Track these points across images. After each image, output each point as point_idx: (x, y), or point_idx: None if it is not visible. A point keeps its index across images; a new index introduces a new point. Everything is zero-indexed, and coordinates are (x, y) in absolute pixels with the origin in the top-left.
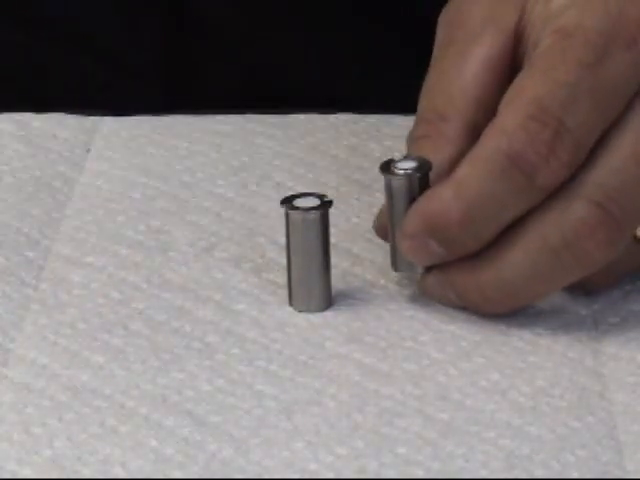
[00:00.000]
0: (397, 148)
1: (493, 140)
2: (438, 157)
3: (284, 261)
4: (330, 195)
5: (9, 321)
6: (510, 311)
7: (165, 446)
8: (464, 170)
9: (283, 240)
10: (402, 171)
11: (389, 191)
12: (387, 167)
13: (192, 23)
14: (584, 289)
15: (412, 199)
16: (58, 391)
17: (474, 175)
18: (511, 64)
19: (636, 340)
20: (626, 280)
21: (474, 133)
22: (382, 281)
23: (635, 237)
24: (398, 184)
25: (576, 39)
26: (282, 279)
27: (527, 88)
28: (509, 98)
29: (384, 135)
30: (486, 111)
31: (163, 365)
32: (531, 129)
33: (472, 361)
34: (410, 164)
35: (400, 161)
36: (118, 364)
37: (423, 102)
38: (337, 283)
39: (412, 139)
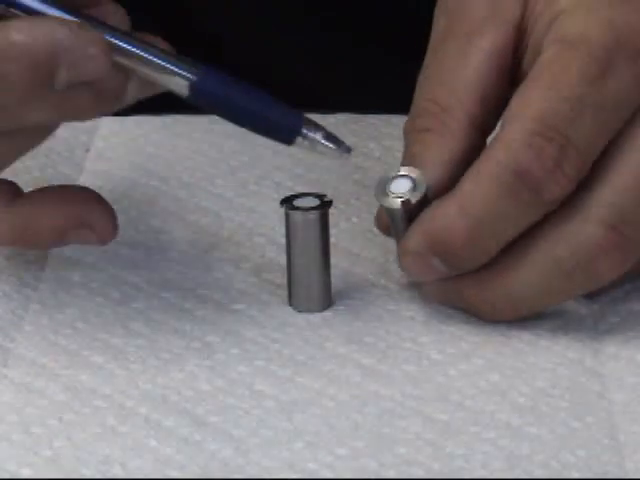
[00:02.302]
0: (397, 148)
1: (498, 156)
2: (443, 152)
3: (284, 261)
4: (330, 195)
5: (9, 321)
6: (514, 319)
7: (165, 446)
8: (468, 186)
9: (283, 240)
10: (398, 199)
11: (387, 215)
12: (383, 191)
13: (190, 25)
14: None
15: (411, 220)
16: (58, 391)
17: (479, 191)
18: (513, 58)
19: (636, 340)
20: (626, 280)
21: (477, 127)
22: (382, 281)
23: None
24: (395, 211)
25: (580, 52)
26: (282, 279)
27: (531, 102)
28: (513, 112)
29: (384, 135)
30: (488, 105)
31: (163, 365)
32: (536, 145)
33: (472, 362)
34: (405, 185)
35: (394, 180)
36: (118, 364)
37: (423, 92)
38: (337, 283)
39: (413, 130)
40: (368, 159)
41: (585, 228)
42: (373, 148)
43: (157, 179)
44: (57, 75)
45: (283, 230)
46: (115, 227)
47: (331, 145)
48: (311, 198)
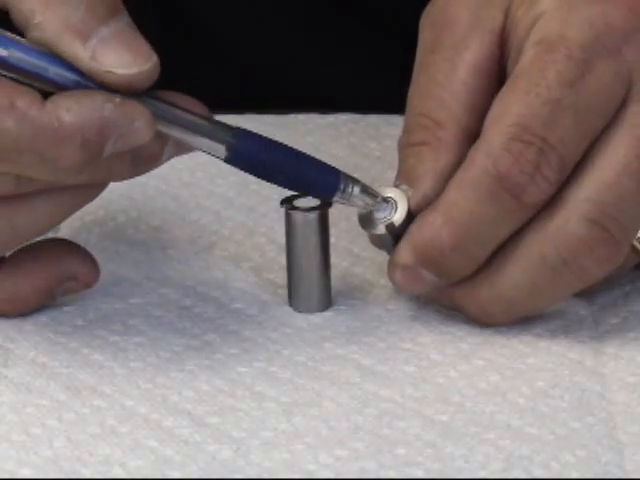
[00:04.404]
0: (396, 147)
1: (479, 163)
2: (438, 164)
3: (284, 261)
4: None
5: (9, 321)
6: (509, 322)
7: (165, 446)
8: (452, 194)
9: (282, 240)
10: (382, 224)
11: (376, 240)
12: (367, 220)
13: (192, 24)
14: (577, 293)
15: (398, 237)
16: (57, 390)
17: (463, 199)
18: (499, 67)
19: (636, 340)
20: (626, 280)
21: (470, 138)
22: (382, 281)
23: (632, 246)
24: (382, 236)
25: (558, 53)
26: (282, 279)
27: (510, 107)
28: (492, 118)
29: (384, 135)
30: (479, 115)
31: (163, 364)
32: (515, 149)
33: (472, 363)
34: (387, 208)
35: (377, 205)
36: (118, 362)
37: (414, 107)
38: (337, 283)
39: (408, 145)
40: (368, 159)
41: (568, 225)
42: (373, 148)
43: (157, 178)
44: (105, 149)
45: (283, 230)
46: (97, 270)
47: (367, 199)
48: (311, 198)
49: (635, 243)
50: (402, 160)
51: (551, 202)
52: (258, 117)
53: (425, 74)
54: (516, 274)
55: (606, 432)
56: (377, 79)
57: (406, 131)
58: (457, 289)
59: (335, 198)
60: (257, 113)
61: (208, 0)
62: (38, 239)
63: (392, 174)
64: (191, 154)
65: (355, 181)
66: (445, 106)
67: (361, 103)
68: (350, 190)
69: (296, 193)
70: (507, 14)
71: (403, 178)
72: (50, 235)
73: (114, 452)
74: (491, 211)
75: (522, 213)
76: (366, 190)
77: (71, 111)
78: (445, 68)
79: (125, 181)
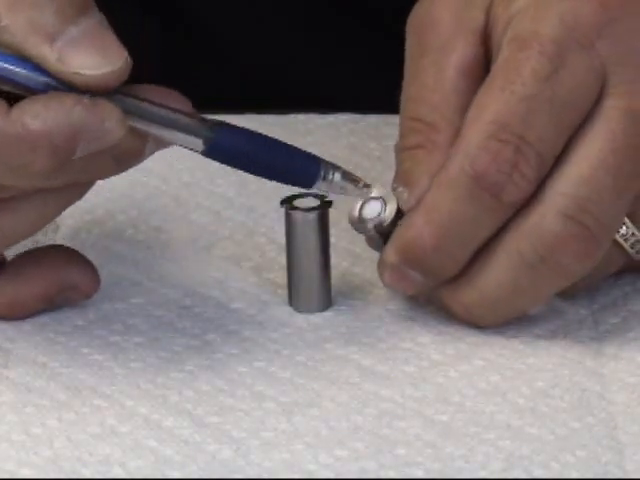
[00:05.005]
0: None
1: (457, 162)
2: (434, 166)
3: (284, 261)
4: (330, 195)
5: (9, 321)
6: (499, 324)
7: (165, 446)
8: (432, 195)
9: (282, 240)
10: (372, 223)
11: (367, 239)
12: (356, 218)
13: (192, 24)
14: (563, 294)
15: (387, 236)
16: (57, 390)
17: (442, 199)
18: (486, 66)
19: (636, 340)
20: (626, 281)
21: None
22: None
23: (615, 241)
24: (372, 234)
25: (532, 50)
26: (282, 279)
27: (486, 106)
28: (470, 118)
29: (384, 135)
30: None
31: (163, 364)
32: (492, 148)
33: (472, 363)
34: (376, 207)
35: (365, 204)
36: (118, 362)
37: (407, 112)
38: (337, 283)
39: (404, 149)
40: (368, 159)
41: (544, 221)
42: (373, 148)
43: (157, 178)
44: (76, 152)
45: (283, 230)
46: (97, 280)
47: (349, 184)
48: (311, 198)
49: (620, 240)
50: (399, 163)
51: (529, 199)
52: (258, 117)
53: (415, 79)
54: (497, 274)
55: (606, 432)
56: (377, 79)
57: (401, 135)
58: (444, 291)
59: (317, 186)
60: (257, 113)
61: (208, 0)
62: (41, 245)
63: (392, 174)
64: (190, 153)
65: (335, 167)
66: (437, 110)
67: (361, 103)
68: (331, 177)
69: (296, 193)
70: (488, 13)
71: (400, 181)
72: (50, 234)
73: (114, 452)
74: (470, 211)
75: (501, 212)
76: (347, 176)
77: (39, 117)
78: (434, 72)
79: (125, 180)
